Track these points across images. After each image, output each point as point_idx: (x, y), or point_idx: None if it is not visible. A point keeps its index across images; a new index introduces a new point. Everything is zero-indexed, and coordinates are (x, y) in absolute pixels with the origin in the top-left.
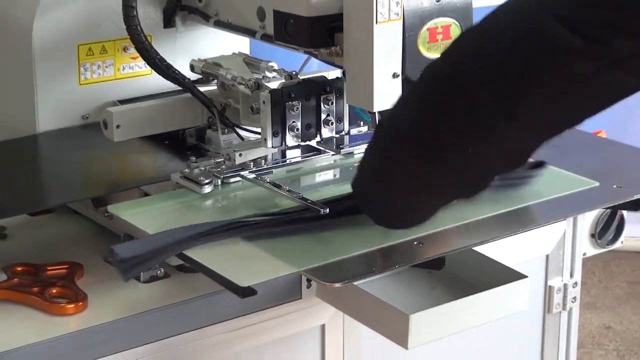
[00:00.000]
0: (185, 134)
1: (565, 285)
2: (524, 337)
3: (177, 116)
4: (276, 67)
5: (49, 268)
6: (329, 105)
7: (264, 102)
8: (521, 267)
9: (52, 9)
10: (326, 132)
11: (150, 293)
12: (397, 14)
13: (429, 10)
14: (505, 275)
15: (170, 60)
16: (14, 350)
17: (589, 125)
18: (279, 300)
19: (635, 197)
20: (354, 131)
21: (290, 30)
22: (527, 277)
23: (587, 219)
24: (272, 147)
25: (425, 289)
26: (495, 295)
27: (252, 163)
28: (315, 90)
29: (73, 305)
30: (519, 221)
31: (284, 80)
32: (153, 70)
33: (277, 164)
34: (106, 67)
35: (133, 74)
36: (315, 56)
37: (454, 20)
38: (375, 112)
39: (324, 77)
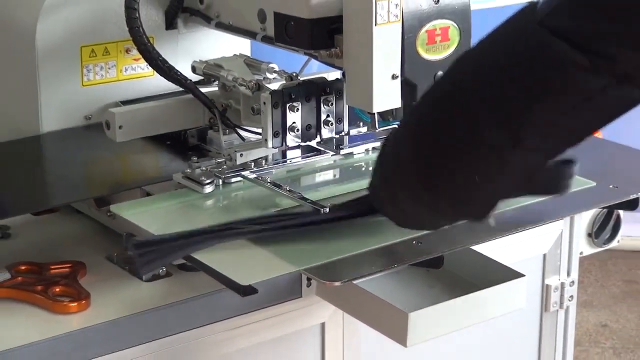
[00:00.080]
0: (186, 135)
1: (562, 284)
2: (521, 335)
3: (178, 117)
4: (277, 69)
5: (52, 267)
6: (328, 106)
7: (264, 103)
8: (519, 266)
9: (55, 11)
10: (326, 133)
11: (152, 292)
12: (396, 16)
13: (428, 12)
14: (503, 274)
15: (172, 61)
16: (18, 348)
17: None
18: (279, 299)
19: (632, 196)
20: (353, 132)
21: (291, 32)
22: (524, 275)
23: (584, 219)
24: (273, 147)
25: (424, 287)
26: (493, 294)
27: (253, 163)
28: (315, 92)
29: (76, 304)
30: (516, 221)
31: (284, 82)
32: (155, 72)
33: (277, 164)
34: (109, 68)
35: (135, 75)
36: (316, 58)
37: (453, 22)
38: (374, 113)
39: (323, 79)
